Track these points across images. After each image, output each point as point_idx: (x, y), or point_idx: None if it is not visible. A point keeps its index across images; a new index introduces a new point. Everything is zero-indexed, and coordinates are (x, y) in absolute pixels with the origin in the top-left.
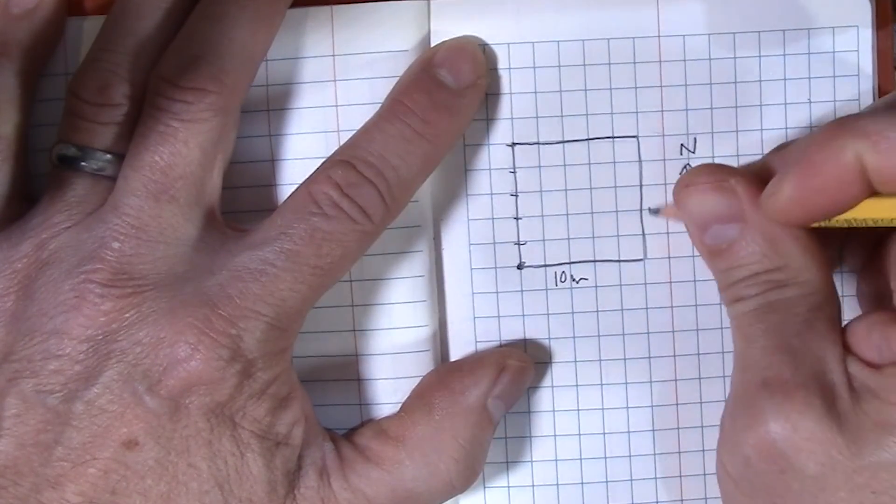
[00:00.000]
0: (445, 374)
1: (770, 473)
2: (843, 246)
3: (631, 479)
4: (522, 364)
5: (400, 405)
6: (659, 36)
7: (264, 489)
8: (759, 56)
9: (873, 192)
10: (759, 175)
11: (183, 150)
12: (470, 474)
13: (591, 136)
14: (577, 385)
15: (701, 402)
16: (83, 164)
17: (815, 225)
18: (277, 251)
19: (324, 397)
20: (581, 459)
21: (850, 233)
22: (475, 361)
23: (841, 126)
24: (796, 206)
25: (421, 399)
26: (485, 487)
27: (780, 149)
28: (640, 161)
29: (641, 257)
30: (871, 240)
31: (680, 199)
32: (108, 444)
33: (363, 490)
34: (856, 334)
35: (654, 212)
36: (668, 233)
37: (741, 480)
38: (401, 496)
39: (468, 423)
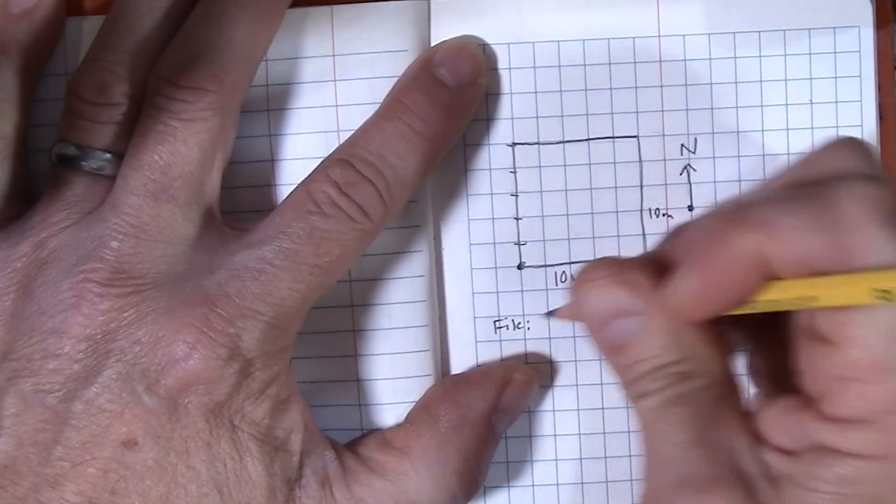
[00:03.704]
0: (451, 386)
1: None
2: (735, 323)
3: (631, 479)
4: (528, 378)
5: (399, 406)
6: (659, 36)
7: (263, 494)
8: (760, 56)
9: (774, 277)
10: (656, 264)
11: (182, 149)
12: (473, 486)
13: (591, 137)
14: (577, 385)
15: None
16: (83, 163)
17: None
18: (276, 250)
19: (323, 398)
20: (581, 459)
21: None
22: (481, 375)
23: (736, 218)
24: (699, 302)
25: (426, 411)
26: (485, 487)
27: (677, 234)
28: (640, 161)
29: None
30: (763, 315)
31: (580, 296)
32: (107, 443)
33: (366, 500)
34: (767, 421)
35: (550, 314)
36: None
37: None
38: None
39: (473, 436)
